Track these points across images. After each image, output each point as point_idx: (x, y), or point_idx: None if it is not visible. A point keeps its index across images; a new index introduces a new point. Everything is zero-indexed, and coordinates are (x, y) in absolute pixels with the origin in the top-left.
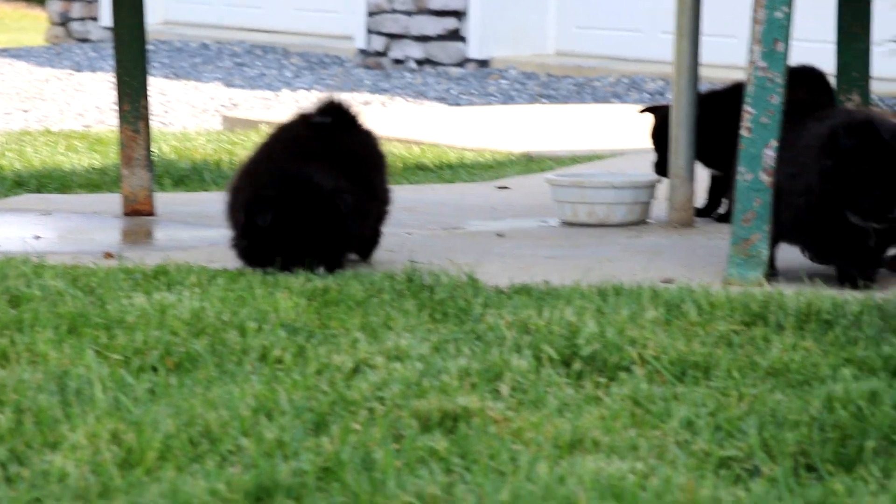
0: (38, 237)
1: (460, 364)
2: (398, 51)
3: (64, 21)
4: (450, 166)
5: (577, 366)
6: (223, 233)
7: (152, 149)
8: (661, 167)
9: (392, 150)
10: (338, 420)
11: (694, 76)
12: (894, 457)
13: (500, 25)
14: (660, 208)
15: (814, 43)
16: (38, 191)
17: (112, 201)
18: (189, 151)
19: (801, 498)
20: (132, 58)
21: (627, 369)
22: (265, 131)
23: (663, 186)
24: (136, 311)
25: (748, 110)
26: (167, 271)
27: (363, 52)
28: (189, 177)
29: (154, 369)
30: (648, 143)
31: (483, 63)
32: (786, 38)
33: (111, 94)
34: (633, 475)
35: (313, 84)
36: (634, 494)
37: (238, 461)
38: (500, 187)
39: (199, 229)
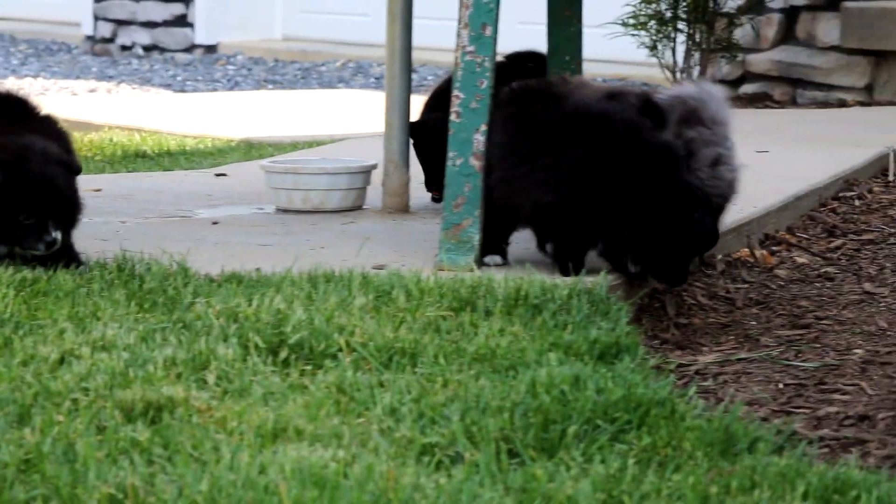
0: None
1: (166, 354)
2: (125, 37)
3: None
4: (170, 153)
5: (283, 354)
6: None
7: None
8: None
9: (113, 137)
10: (41, 412)
11: (407, 60)
12: (596, 441)
13: (227, 11)
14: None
15: (536, 25)
16: None
17: None
18: None
19: (502, 483)
20: None
21: (334, 357)
22: None
23: (378, 172)
24: None
25: (457, 94)
26: None
27: (90, 39)
28: None
29: None
30: (377, 124)
31: (210, 49)
32: (494, 21)
33: None
34: (336, 463)
35: (40, 71)
36: (336, 483)
37: None
38: (218, 174)
39: None
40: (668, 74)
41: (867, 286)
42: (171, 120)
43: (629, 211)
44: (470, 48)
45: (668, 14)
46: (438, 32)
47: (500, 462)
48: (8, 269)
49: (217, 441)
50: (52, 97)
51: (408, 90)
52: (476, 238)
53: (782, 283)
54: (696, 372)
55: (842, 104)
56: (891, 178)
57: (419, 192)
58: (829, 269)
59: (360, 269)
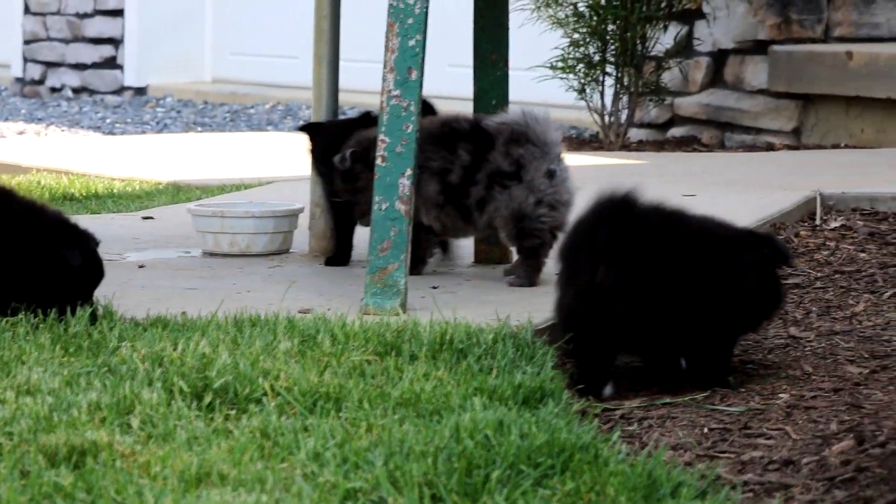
0: None
1: (91, 398)
2: (55, 79)
3: None
4: (97, 196)
5: (208, 398)
6: None
7: None
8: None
9: (41, 180)
10: None
11: (334, 103)
12: (520, 486)
13: (156, 53)
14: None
15: (466, 69)
16: None
17: None
18: None
19: None
20: None
21: (258, 401)
22: None
23: (305, 216)
24: None
25: (383, 139)
26: None
27: (20, 81)
28: None
29: None
30: (304, 166)
31: (140, 91)
32: (420, 65)
33: None
34: None
35: None
36: None
37: None
38: (145, 217)
39: None
40: (597, 118)
41: (792, 330)
42: (99, 162)
43: None
44: (395, 92)
45: (597, 57)
46: (366, 74)
47: None
48: None
49: (141, 486)
50: None
51: None
52: (402, 282)
53: None
54: (621, 416)
55: (770, 147)
56: (818, 222)
57: None
58: None
59: (285, 313)
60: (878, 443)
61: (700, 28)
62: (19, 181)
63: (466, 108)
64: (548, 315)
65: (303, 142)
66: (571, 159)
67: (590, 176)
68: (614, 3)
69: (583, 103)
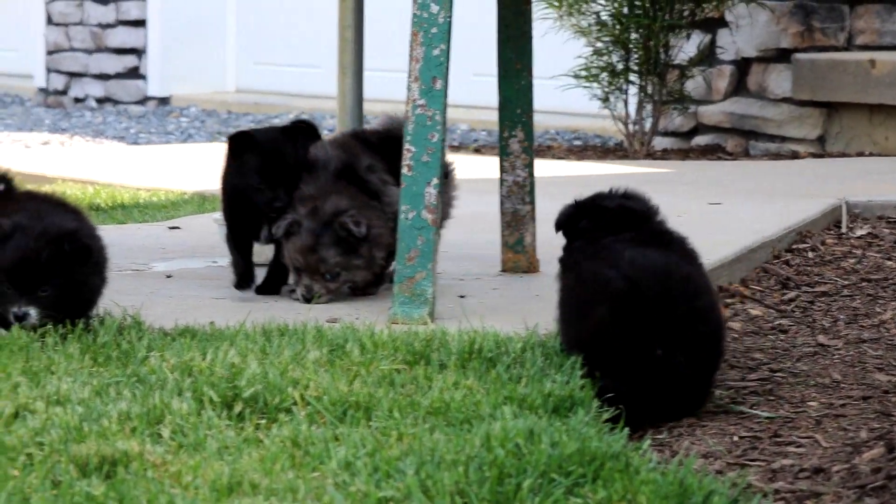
0: None
1: (121, 408)
2: (78, 89)
3: None
4: (123, 206)
5: (238, 408)
6: None
7: None
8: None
9: (67, 190)
10: None
11: (359, 112)
12: (551, 495)
13: (179, 62)
14: None
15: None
16: None
17: None
18: None
19: None
20: None
21: (288, 411)
22: None
23: None
24: None
25: (409, 148)
26: None
27: (43, 91)
28: None
29: None
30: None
31: (163, 101)
32: (444, 75)
33: None
34: None
35: None
36: None
37: None
38: (171, 227)
39: None
40: (621, 126)
41: (821, 338)
42: (124, 172)
43: None
44: (420, 101)
45: (620, 66)
46: (390, 84)
47: None
48: None
49: (172, 495)
50: (4, 150)
51: None
52: (430, 291)
53: (736, 336)
54: (652, 425)
55: (794, 156)
56: (844, 230)
57: None
58: (783, 321)
59: (313, 322)
60: None
61: (723, 36)
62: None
63: (492, 118)
64: None
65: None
66: (596, 168)
67: (617, 185)
68: (637, 12)
69: (607, 112)
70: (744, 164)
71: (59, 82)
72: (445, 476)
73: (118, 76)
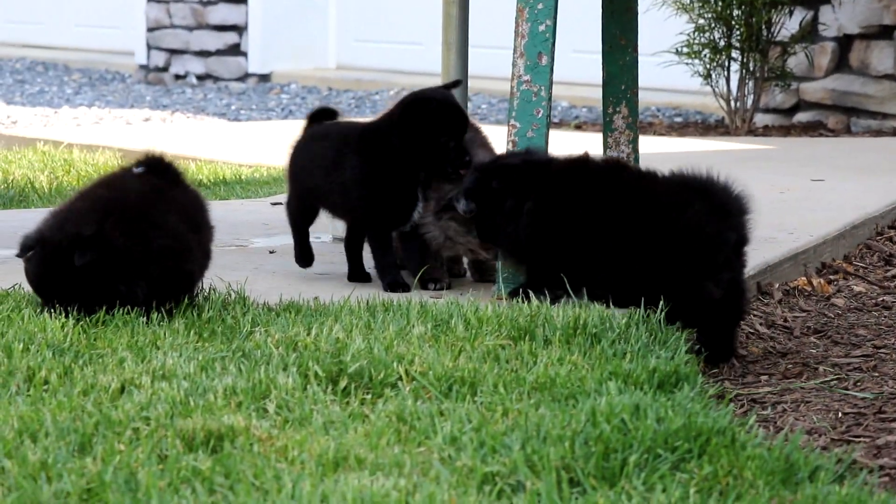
0: None
1: (226, 383)
2: (179, 66)
3: None
4: (225, 182)
5: (343, 383)
6: None
7: None
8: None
9: None
10: (102, 441)
11: (463, 89)
12: (657, 470)
13: (280, 40)
14: None
15: (590, 55)
16: None
17: None
18: None
19: None
20: None
21: (394, 386)
22: (42, 149)
23: None
24: None
25: (513, 124)
26: None
27: (144, 68)
28: None
29: None
30: None
31: (264, 77)
32: (550, 51)
33: None
34: (397, 492)
35: (94, 100)
36: None
37: (0, 483)
38: (274, 203)
39: None
40: (722, 103)
41: None
42: (225, 149)
43: None
44: (525, 77)
45: (722, 43)
46: (492, 61)
47: (561, 491)
48: None
49: (278, 470)
50: (106, 126)
51: None
52: None
53: (839, 312)
54: (755, 401)
55: None
56: None
57: None
58: (887, 297)
59: (418, 298)
60: None
61: (825, 13)
62: None
63: (592, 94)
64: None
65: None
66: (698, 145)
67: (718, 161)
68: None
69: (708, 89)
70: (845, 140)
71: (159, 59)
72: (551, 451)
73: (219, 53)
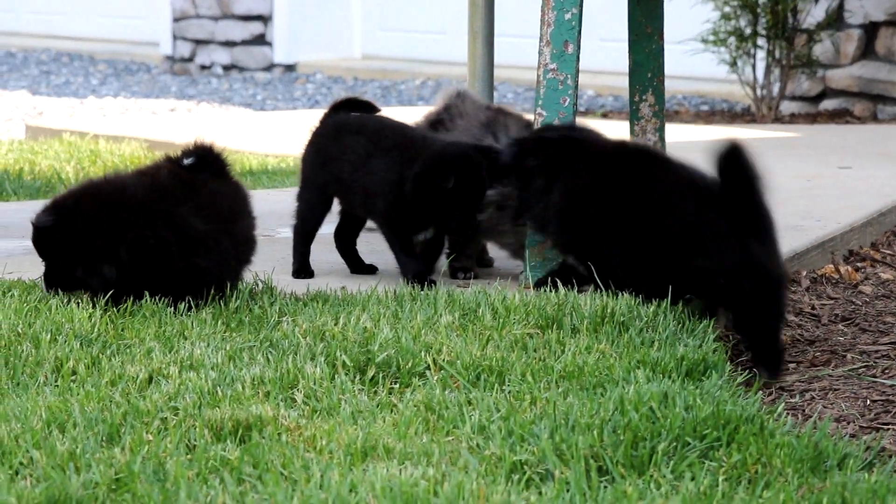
0: None
1: (254, 373)
2: (205, 56)
3: None
4: (252, 172)
5: (371, 372)
6: (21, 244)
7: None
8: None
9: None
10: (130, 431)
11: (489, 77)
12: (686, 458)
13: (305, 29)
14: None
15: (616, 42)
16: None
17: None
18: None
19: (593, 501)
20: None
21: (422, 375)
22: (68, 140)
23: None
24: None
25: (540, 112)
26: None
27: (169, 59)
28: None
29: None
30: None
31: (290, 68)
32: (576, 39)
33: None
34: (425, 481)
35: (120, 91)
36: (426, 501)
37: (29, 474)
38: None
39: None
40: (748, 91)
41: None
42: (251, 139)
43: None
44: (552, 66)
45: (748, 30)
46: (518, 50)
47: (590, 479)
48: None
49: (307, 460)
50: (132, 117)
51: None
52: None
53: (867, 300)
54: (783, 388)
55: None
56: None
57: None
58: None
59: (445, 287)
60: None
61: (851, 0)
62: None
63: (618, 83)
64: None
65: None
66: (724, 133)
67: None
68: None
69: (734, 77)
70: (872, 128)
71: (185, 49)
72: (580, 440)
73: (244, 43)
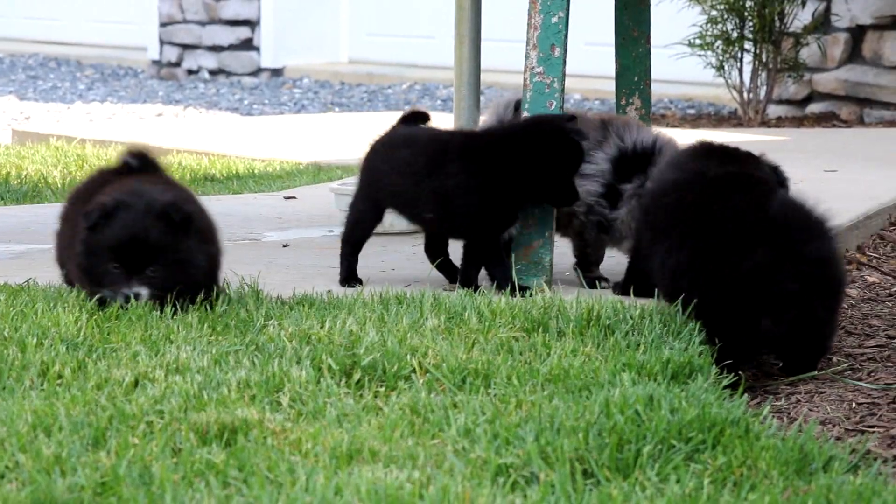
0: None
1: (240, 376)
2: (192, 61)
3: None
4: (238, 177)
5: (357, 376)
6: (8, 248)
7: None
8: None
9: (182, 161)
10: (116, 434)
11: (476, 82)
12: (671, 461)
13: (292, 34)
14: None
15: (602, 47)
16: None
17: None
18: None
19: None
20: None
21: (407, 378)
22: (55, 144)
23: None
24: None
25: (527, 116)
26: None
27: (156, 63)
28: None
29: None
30: None
31: (276, 72)
32: (563, 43)
33: None
34: (411, 484)
35: (107, 96)
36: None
37: (15, 477)
38: (287, 197)
39: None
40: (735, 94)
41: None
42: (238, 143)
43: None
44: (538, 69)
45: (735, 34)
46: (505, 54)
47: (575, 482)
48: (81, 293)
49: (292, 463)
50: (119, 122)
51: (476, 112)
52: (547, 259)
53: (853, 303)
54: (769, 391)
55: None
56: None
57: None
58: None
59: (430, 290)
60: None
61: (838, 4)
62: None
63: (605, 87)
64: None
65: (440, 122)
66: (711, 136)
67: None
68: None
69: (720, 80)
70: (858, 131)
71: (172, 54)
72: (565, 442)
73: (231, 48)
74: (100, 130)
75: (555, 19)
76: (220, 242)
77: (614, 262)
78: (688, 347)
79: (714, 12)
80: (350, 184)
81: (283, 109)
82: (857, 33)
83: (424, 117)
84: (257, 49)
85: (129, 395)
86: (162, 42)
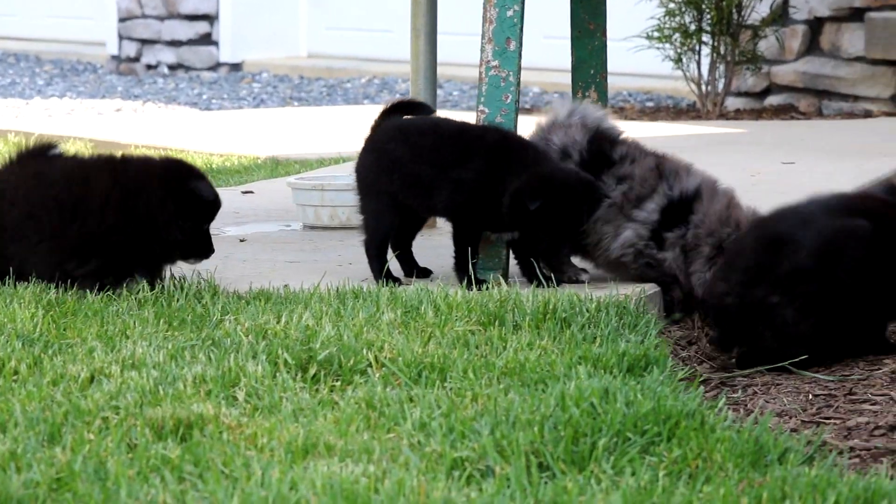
0: None
1: (196, 371)
2: (151, 56)
3: None
4: None
5: (313, 370)
6: None
7: None
8: None
9: None
10: (72, 430)
11: (432, 76)
12: (626, 454)
13: (252, 28)
14: None
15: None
16: None
17: None
18: None
19: (533, 497)
20: None
21: (363, 372)
22: (13, 140)
23: None
24: None
25: (482, 109)
26: None
27: (115, 58)
28: None
29: None
30: None
31: (236, 67)
32: (518, 36)
33: None
34: (366, 478)
35: (66, 91)
36: (366, 498)
37: None
38: (245, 192)
39: None
40: (694, 87)
41: None
42: (197, 138)
43: None
44: (494, 63)
45: (693, 27)
46: (463, 48)
47: (530, 475)
48: (37, 288)
49: (247, 458)
50: (78, 117)
51: (433, 105)
52: (503, 252)
53: None
54: (724, 383)
55: (867, 115)
56: None
57: None
58: None
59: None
60: None
61: None
62: None
63: (563, 80)
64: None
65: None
66: (669, 129)
67: (690, 145)
68: None
69: (679, 73)
70: (817, 123)
71: (131, 49)
72: (520, 436)
73: (190, 42)
74: (58, 126)
75: (510, 13)
76: None
77: None
78: (644, 340)
79: (672, 5)
80: (307, 178)
81: (242, 104)
82: (816, 25)
83: (416, 107)
84: (216, 44)
85: (84, 390)
86: (121, 37)
